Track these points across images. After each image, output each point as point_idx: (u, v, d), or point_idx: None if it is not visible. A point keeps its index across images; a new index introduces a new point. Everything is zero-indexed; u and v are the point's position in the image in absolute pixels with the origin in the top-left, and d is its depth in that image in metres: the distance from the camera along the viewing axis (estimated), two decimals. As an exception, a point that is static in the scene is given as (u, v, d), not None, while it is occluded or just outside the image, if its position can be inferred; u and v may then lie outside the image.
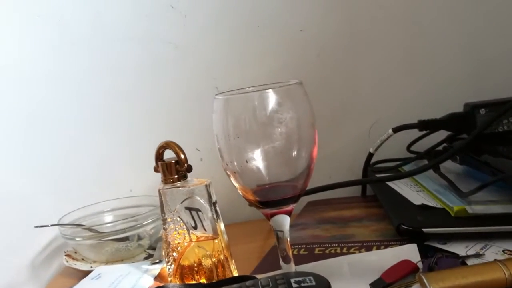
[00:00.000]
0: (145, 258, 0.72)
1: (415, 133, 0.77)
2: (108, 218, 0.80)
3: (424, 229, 0.55)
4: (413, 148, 0.79)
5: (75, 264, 0.72)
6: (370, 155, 0.78)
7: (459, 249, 0.53)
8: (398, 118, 0.78)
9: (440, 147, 0.74)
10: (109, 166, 0.87)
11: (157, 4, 0.83)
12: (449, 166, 0.71)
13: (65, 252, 0.76)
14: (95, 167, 0.86)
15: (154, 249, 0.74)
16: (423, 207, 0.62)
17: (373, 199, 0.75)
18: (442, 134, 0.75)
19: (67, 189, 0.85)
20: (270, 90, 0.47)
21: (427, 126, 0.72)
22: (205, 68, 0.85)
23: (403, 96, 0.85)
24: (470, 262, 0.50)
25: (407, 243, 0.57)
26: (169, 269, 0.57)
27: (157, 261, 0.64)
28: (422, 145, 0.78)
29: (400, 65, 0.84)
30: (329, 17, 0.83)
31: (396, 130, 0.74)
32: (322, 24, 0.84)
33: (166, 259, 0.57)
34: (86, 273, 0.69)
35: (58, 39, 0.83)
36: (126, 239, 0.71)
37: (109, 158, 0.87)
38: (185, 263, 0.56)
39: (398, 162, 0.77)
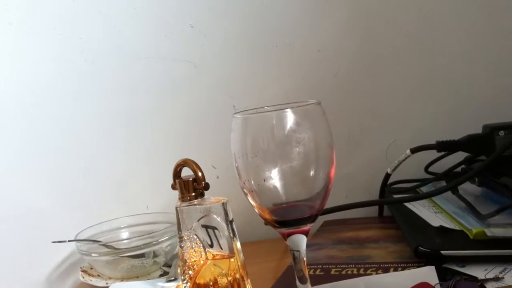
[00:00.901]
0: (161, 275, 0.72)
1: (433, 154, 0.76)
2: (125, 234, 0.81)
3: (442, 252, 0.55)
4: (431, 169, 0.79)
5: (90, 280, 0.72)
6: (388, 176, 0.78)
7: (478, 272, 0.52)
8: (415, 139, 0.78)
9: (459, 169, 0.73)
10: (127, 183, 0.87)
11: (177, 23, 0.84)
12: (468, 188, 0.70)
13: (81, 267, 0.76)
14: (112, 183, 0.87)
15: (169, 266, 0.74)
16: (441, 229, 0.61)
17: (390, 220, 0.74)
18: (460, 156, 0.74)
19: (84, 205, 0.86)
20: (288, 110, 0.47)
21: (446, 147, 0.72)
22: (222, 87, 0.86)
23: (421, 116, 0.84)
24: (489, 286, 0.49)
25: (425, 265, 0.56)
26: (184, 287, 0.57)
27: (173, 278, 0.64)
28: (440, 166, 0.77)
29: (418, 85, 0.84)
30: (346, 37, 0.84)
31: (414, 150, 0.74)
32: (339, 45, 0.84)
33: (182, 277, 0.57)
34: (101, 289, 0.69)
35: (80, 57, 0.84)
36: (142, 256, 0.71)
37: (126, 175, 0.87)
38: (201, 281, 0.56)
39: (415, 183, 0.77)
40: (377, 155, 0.84)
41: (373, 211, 0.80)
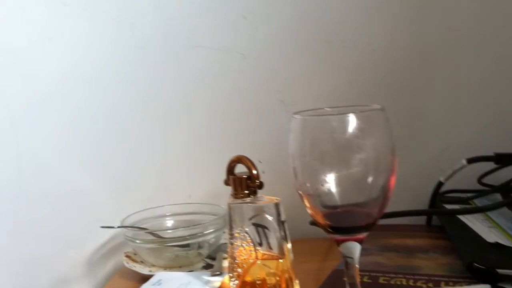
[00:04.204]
0: (203, 267, 0.72)
1: (487, 164, 0.74)
2: (169, 222, 0.81)
3: (498, 270, 0.53)
4: (484, 180, 0.76)
5: (134, 267, 0.73)
6: (440, 184, 0.76)
7: (535, 295, 0.50)
8: (469, 147, 0.76)
9: (516, 183, 0.71)
10: (170, 171, 0.88)
11: (230, 13, 0.84)
12: (525, 204, 0.68)
13: (125, 253, 0.77)
14: (156, 171, 0.87)
15: (212, 258, 0.74)
16: (497, 245, 0.59)
17: (439, 230, 0.73)
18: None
19: (128, 190, 0.87)
20: (351, 115, 0.46)
21: (504, 160, 0.69)
22: (271, 80, 0.85)
23: (477, 123, 0.81)
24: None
25: (477, 282, 0.54)
26: (232, 284, 0.57)
27: (218, 273, 0.64)
28: (494, 178, 0.75)
29: (477, 90, 0.81)
30: (401, 37, 0.82)
31: (470, 161, 0.72)
32: (394, 44, 0.82)
33: (230, 274, 0.57)
34: (144, 276, 0.70)
35: (131, 42, 0.84)
36: (186, 246, 0.72)
37: (170, 163, 0.88)
38: (249, 279, 0.56)
39: (469, 194, 0.74)
40: (428, 161, 0.82)
41: (420, 218, 0.79)
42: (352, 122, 0.46)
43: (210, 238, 0.73)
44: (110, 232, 0.85)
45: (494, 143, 0.73)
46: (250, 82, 0.85)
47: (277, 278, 0.55)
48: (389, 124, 0.48)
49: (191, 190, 0.88)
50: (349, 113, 0.46)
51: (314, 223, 0.51)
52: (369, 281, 0.59)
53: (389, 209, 0.68)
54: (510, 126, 0.81)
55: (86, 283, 0.87)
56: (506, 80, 0.81)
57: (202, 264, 0.73)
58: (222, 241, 0.76)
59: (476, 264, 0.55)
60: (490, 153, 0.73)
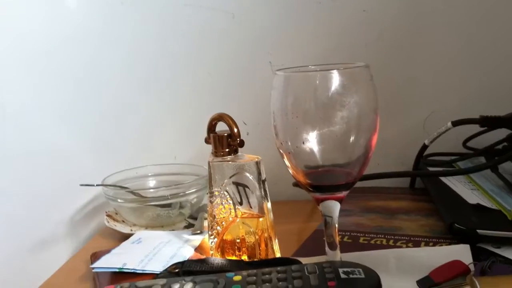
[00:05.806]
0: (185, 227, 0.72)
1: (473, 128, 0.73)
2: (151, 183, 0.80)
3: (478, 231, 0.53)
4: (469, 144, 0.76)
5: (115, 226, 0.72)
6: (425, 147, 0.75)
7: (513, 254, 0.50)
8: (455, 111, 0.75)
9: (500, 146, 0.70)
10: (155, 132, 0.87)
11: (217, -31, 0.81)
12: (507, 167, 0.68)
13: (106, 212, 0.76)
14: (141, 131, 0.86)
15: (194, 218, 0.73)
16: (478, 207, 0.59)
17: (422, 192, 0.72)
18: (500, 132, 0.71)
19: (112, 150, 0.86)
20: (334, 71, 0.45)
21: (489, 123, 0.69)
22: (259, 41, 0.83)
23: (464, 89, 0.80)
24: (526, 270, 0.48)
25: (457, 243, 0.54)
26: (211, 242, 0.56)
27: (198, 232, 0.64)
28: (479, 142, 0.75)
29: (465, 56, 0.80)
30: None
31: (455, 123, 0.71)
32: (385, 7, 0.80)
33: (210, 232, 0.56)
34: (125, 235, 0.69)
35: (117, -1, 0.82)
36: (168, 206, 0.71)
37: (155, 124, 0.87)
38: (228, 237, 0.56)
39: (453, 157, 0.74)
40: (414, 124, 0.81)
41: (404, 181, 0.78)
42: (335, 79, 0.45)
43: (192, 198, 0.72)
44: (92, 192, 0.84)
45: (481, 109, 0.72)
46: (237, 42, 0.83)
47: (256, 237, 0.55)
48: (373, 82, 0.47)
49: (176, 151, 0.87)
50: (332, 69, 0.45)
51: (296, 184, 0.50)
52: (349, 240, 0.59)
53: (373, 171, 0.69)
54: (497, 91, 0.80)
55: (69, 243, 0.86)
56: (495, 44, 0.79)
57: (184, 224, 0.73)
58: (205, 201, 0.76)
59: (456, 225, 0.55)
60: (476, 118, 0.72)
